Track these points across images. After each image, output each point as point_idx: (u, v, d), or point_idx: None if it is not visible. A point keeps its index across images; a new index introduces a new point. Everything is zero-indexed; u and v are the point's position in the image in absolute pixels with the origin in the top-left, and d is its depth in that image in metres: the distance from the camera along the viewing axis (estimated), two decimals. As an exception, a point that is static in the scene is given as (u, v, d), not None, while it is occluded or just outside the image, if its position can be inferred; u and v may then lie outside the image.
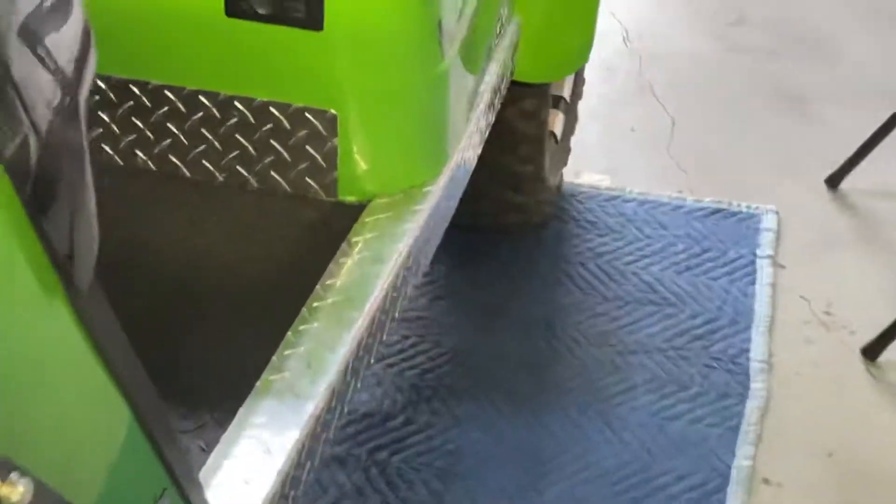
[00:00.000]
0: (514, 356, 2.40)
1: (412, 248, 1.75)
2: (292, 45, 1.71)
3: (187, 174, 1.84)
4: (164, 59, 1.77)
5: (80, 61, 0.99)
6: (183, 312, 1.64)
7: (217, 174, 1.83)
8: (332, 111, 1.76)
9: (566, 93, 2.78)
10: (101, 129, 1.83)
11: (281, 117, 1.78)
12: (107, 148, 1.84)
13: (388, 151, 1.81)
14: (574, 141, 2.85)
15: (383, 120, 1.78)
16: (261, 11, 1.67)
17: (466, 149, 1.98)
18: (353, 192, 1.82)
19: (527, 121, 2.40)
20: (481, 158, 2.36)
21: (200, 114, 1.80)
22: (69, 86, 0.97)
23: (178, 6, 1.71)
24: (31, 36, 0.92)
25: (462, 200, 2.05)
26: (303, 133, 1.78)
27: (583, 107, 2.88)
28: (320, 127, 1.77)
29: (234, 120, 1.79)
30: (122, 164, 1.85)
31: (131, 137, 1.83)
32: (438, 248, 1.93)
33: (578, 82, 2.82)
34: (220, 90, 1.78)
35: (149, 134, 1.83)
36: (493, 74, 2.09)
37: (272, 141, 1.80)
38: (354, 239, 1.74)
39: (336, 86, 1.74)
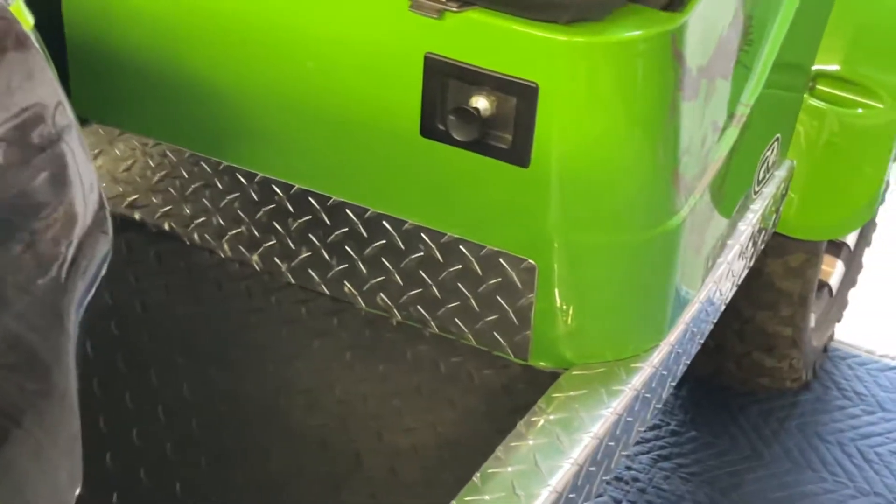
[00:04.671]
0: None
1: (604, 437, 1.43)
2: (492, 179, 1.42)
3: (363, 305, 1.59)
4: (347, 173, 1.52)
5: None
6: (333, 463, 1.39)
7: (396, 311, 1.57)
8: (531, 261, 1.47)
9: (851, 238, 2.40)
10: (274, 241, 1.60)
11: (472, 259, 1.50)
12: (278, 262, 1.61)
13: (594, 316, 1.51)
14: (855, 294, 2.46)
15: (591, 279, 1.48)
16: (459, 137, 1.39)
17: (699, 315, 1.65)
18: (548, 357, 1.52)
19: (791, 278, 2.04)
20: (730, 312, 2.03)
21: (382, 241, 1.54)
22: None
23: (370, 117, 1.46)
24: None
25: (702, 353, 1.73)
26: (495, 281, 1.50)
27: (873, 254, 2.48)
28: (515, 277, 1.49)
29: (419, 254, 1.53)
30: (293, 282, 1.62)
31: (306, 255, 1.60)
32: (671, 396, 1.60)
33: (868, 226, 2.42)
34: (406, 218, 1.52)
35: (325, 254, 1.58)
36: (749, 225, 1.75)
37: (459, 284, 1.52)
38: (534, 418, 1.44)
39: (538, 233, 1.45)
